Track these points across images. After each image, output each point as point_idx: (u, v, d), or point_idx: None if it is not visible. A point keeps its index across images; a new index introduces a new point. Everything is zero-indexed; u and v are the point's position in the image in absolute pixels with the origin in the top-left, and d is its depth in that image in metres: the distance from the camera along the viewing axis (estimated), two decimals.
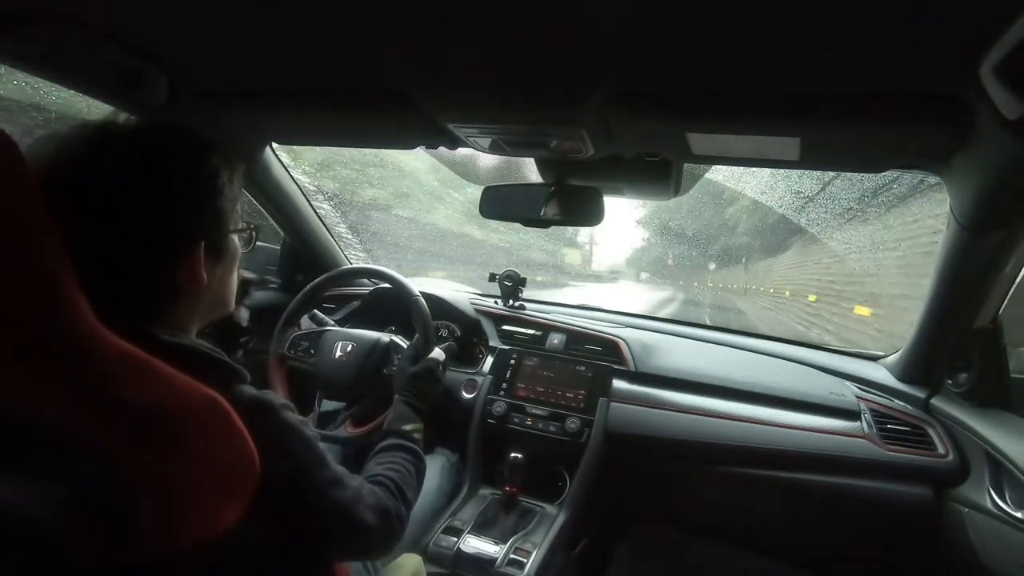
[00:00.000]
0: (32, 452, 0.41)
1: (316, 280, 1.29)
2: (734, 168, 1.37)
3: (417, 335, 1.15)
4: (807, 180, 1.75)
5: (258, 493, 0.47)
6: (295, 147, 1.53)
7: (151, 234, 0.50)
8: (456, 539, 1.05)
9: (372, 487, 0.67)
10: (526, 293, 1.56)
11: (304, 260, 1.59)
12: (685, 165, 1.01)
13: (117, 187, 0.48)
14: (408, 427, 0.87)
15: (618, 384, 1.27)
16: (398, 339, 1.25)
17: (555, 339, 1.39)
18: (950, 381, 1.08)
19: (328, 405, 1.20)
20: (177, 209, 0.52)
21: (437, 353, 1.08)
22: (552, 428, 1.23)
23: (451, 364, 1.26)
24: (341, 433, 1.16)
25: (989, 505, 0.91)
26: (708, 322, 1.63)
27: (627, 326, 1.48)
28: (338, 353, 1.23)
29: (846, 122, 0.68)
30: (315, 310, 1.35)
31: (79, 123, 0.51)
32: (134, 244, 0.49)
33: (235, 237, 0.60)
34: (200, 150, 0.55)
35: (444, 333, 1.46)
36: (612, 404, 1.23)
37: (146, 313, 0.52)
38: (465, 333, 1.45)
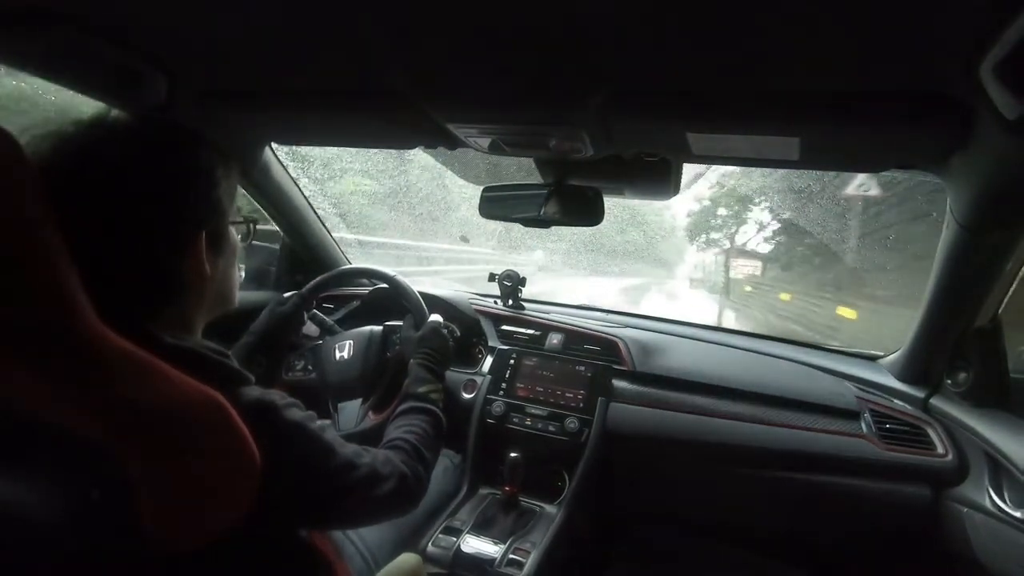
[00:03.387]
0: (34, 452, 0.41)
1: (314, 280, 1.29)
2: None
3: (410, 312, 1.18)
4: None
5: (265, 492, 0.48)
6: None
7: (154, 226, 0.50)
8: (455, 539, 1.05)
9: (387, 453, 0.69)
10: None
11: (303, 260, 1.59)
12: (684, 165, 1.01)
13: (117, 182, 0.49)
14: (423, 389, 0.89)
15: (617, 384, 1.27)
16: (392, 323, 1.26)
17: (554, 339, 1.39)
18: (949, 381, 1.08)
19: (345, 408, 1.21)
20: (178, 199, 0.52)
21: (436, 317, 1.11)
22: (551, 428, 1.23)
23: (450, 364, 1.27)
24: (365, 425, 1.17)
25: (988, 505, 0.91)
26: (709, 322, 1.63)
27: (626, 326, 1.48)
28: (338, 355, 1.23)
29: (846, 122, 0.68)
30: (315, 311, 1.35)
31: (72, 120, 0.51)
32: (137, 237, 0.49)
33: (233, 230, 0.62)
34: (195, 143, 0.56)
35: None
36: (611, 404, 1.23)
37: (151, 310, 0.52)
38: (464, 333, 1.45)
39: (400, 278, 1.23)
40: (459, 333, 1.44)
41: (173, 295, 0.53)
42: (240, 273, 0.65)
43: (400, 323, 1.25)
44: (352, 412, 1.19)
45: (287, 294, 1.24)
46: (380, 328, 1.26)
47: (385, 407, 1.19)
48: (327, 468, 0.57)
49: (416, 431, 0.78)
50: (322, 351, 1.26)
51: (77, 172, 0.48)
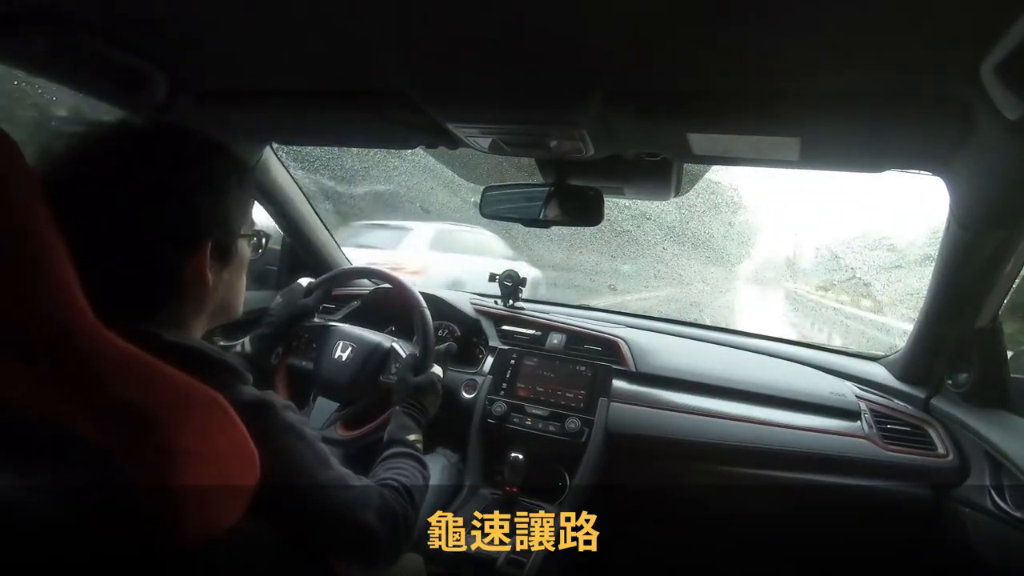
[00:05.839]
0: (33, 452, 0.41)
1: (315, 280, 1.29)
2: None
3: (416, 339, 1.15)
4: None
5: (259, 493, 0.47)
6: None
7: (159, 232, 0.50)
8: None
9: (380, 489, 0.66)
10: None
11: (304, 260, 1.59)
12: (685, 165, 1.01)
13: (127, 185, 0.49)
14: (412, 437, 0.88)
15: (618, 384, 1.27)
16: (398, 345, 1.25)
17: (555, 339, 1.39)
18: (950, 381, 1.08)
19: (322, 404, 1.20)
20: (185, 207, 0.52)
21: (437, 369, 1.09)
22: (552, 428, 1.23)
23: (451, 364, 1.27)
24: (331, 435, 1.16)
25: (989, 505, 0.91)
26: (708, 322, 1.64)
27: (627, 326, 1.48)
28: (338, 353, 1.23)
29: (846, 122, 0.68)
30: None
31: (90, 122, 0.51)
32: (142, 241, 0.49)
33: (244, 242, 0.60)
34: (209, 151, 0.55)
35: (443, 333, 1.46)
36: (612, 404, 1.23)
37: (150, 311, 0.52)
38: (465, 333, 1.45)
39: (427, 312, 1.17)
40: (459, 333, 1.45)
41: (171, 299, 0.53)
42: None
43: (402, 350, 1.23)
44: (325, 412, 1.19)
45: (304, 282, 1.24)
46: (387, 346, 1.24)
47: (355, 426, 1.17)
48: (317, 477, 0.56)
49: (408, 474, 0.75)
50: (327, 339, 1.26)
51: (86, 173, 0.48)
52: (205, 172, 0.54)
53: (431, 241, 3.41)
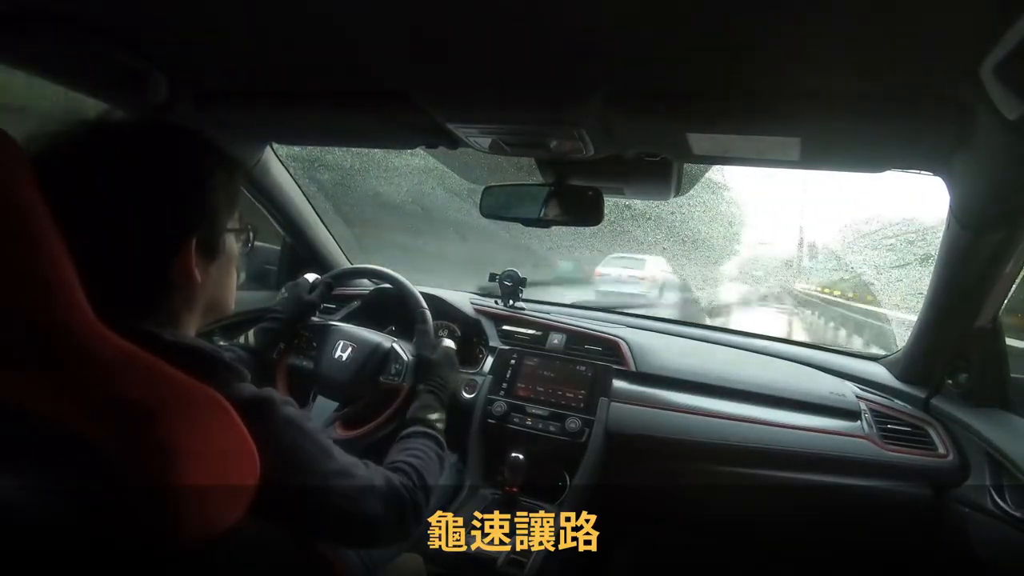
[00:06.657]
0: (33, 451, 0.41)
1: (339, 269, 1.30)
2: None
3: (417, 328, 1.17)
4: None
5: (261, 490, 0.47)
6: None
7: (142, 228, 0.50)
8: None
9: (387, 474, 0.67)
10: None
11: (304, 260, 1.60)
12: (685, 165, 1.01)
13: (110, 181, 0.48)
14: (433, 416, 0.89)
15: (618, 384, 1.27)
16: (398, 346, 1.25)
17: (555, 339, 1.39)
18: (950, 381, 1.08)
19: (322, 403, 1.20)
20: (168, 203, 0.51)
21: (448, 343, 1.11)
22: (552, 428, 1.23)
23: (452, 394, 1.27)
24: (330, 434, 1.16)
25: (989, 505, 0.91)
26: (708, 322, 1.64)
27: (627, 326, 1.48)
28: (338, 352, 1.23)
29: (846, 122, 0.68)
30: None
31: (75, 121, 0.51)
32: (126, 238, 0.49)
33: (232, 237, 0.60)
34: (194, 147, 0.55)
35: (443, 333, 1.46)
36: (612, 404, 1.23)
37: (140, 309, 0.51)
38: (465, 333, 1.45)
39: (427, 313, 1.20)
40: (460, 333, 1.45)
41: (160, 296, 0.53)
42: (240, 276, 0.64)
43: (404, 353, 1.23)
44: (325, 412, 1.19)
45: (310, 278, 1.24)
46: (387, 347, 1.23)
47: (355, 426, 1.17)
48: (321, 469, 0.56)
49: (421, 456, 0.76)
50: (327, 338, 1.26)
51: (73, 170, 0.48)
52: (188, 166, 0.53)
53: (654, 264, 5.32)
